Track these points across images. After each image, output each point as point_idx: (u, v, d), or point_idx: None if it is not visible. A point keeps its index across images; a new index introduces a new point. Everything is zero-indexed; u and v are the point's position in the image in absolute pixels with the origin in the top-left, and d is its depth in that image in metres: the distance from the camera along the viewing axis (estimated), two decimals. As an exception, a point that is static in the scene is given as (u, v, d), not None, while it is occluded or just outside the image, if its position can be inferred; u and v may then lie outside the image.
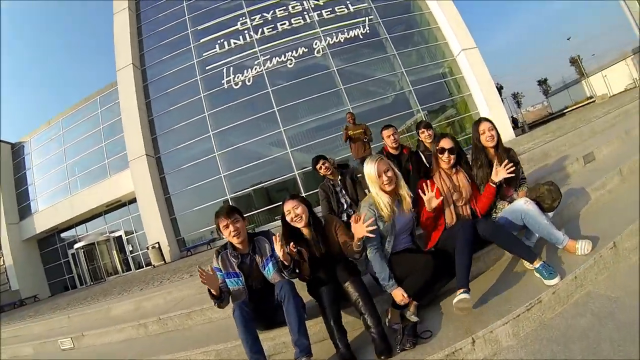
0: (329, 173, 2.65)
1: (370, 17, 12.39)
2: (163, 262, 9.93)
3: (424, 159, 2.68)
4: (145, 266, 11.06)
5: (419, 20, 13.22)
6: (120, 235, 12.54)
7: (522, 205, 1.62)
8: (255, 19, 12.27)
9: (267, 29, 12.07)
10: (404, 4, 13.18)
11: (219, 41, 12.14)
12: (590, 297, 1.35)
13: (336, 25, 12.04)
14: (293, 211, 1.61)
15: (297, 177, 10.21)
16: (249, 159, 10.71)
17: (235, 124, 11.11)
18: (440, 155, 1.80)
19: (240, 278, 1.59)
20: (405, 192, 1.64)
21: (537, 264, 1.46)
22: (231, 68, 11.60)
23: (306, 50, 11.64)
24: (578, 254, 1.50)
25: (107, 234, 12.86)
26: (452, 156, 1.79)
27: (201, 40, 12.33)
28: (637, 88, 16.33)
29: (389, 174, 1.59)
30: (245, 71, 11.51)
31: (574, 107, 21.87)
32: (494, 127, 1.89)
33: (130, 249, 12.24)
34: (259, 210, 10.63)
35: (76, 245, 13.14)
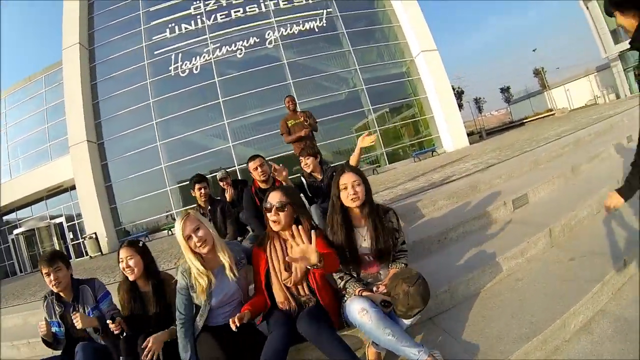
0: (202, 199, 2.42)
1: (329, 10, 12.19)
2: (100, 252, 9.80)
3: (306, 187, 2.25)
4: (85, 255, 10.89)
5: (380, 17, 13.12)
6: (62, 222, 12.22)
7: (355, 316, 1.15)
8: (209, 4, 11.82)
9: (221, 15, 11.67)
10: (366, -1, 13.02)
11: (170, 25, 11.66)
12: None
13: (292, 16, 11.79)
14: (125, 261, 1.44)
15: (237, 171, 10.22)
16: (191, 150, 10.60)
17: (180, 114, 10.89)
18: (266, 214, 1.33)
19: (61, 328, 1.51)
20: (226, 256, 1.32)
21: None
22: (180, 54, 11.23)
23: (258, 40, 11.39)
24: None
25: (48, 220, 12.50)
26: (280, 214, 1.29)
27: (152, 23, 11.79)
28: (596, 105, 17.16)
29: (200, 233, 1.29)
30: (194, 59, 11.17)
31: (534, 117, 22.77)
32: (363, 181, 1.33)
33: (71, 236, 11.98)
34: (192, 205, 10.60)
35: (16, 231, 12.72)
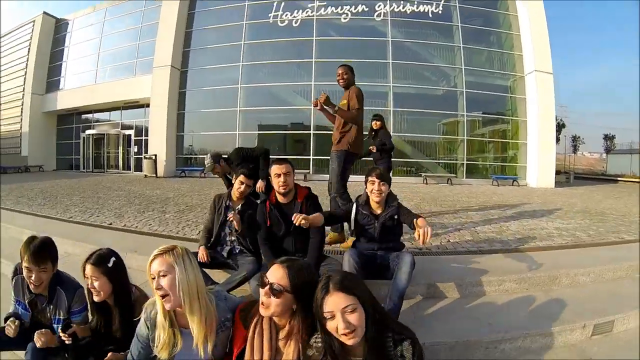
0: (238, 193, 1.90)
1: (448, -3, 10.97)
2: (154, 174, 10.08)
3: (352, 216, 1.72)
4: (141, 171, 11.29)
5: (500, 20, 11.62)
6: (130, 135, 12.76)
7: None
8: (326, -42, 11.12)
9: (335, -28, 10.95)
10: (491, -5, 11.54)
11: (280, -30, 11.19)
12: None
13: (409, -6, 10.76)
14: (90, 280, 1.14)
15: (312, 136, 9.75)
16: (270, 101, 10.28)
17: (268, 62, 10.55)
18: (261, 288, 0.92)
19: (27, 312, 1.34)
20: (199, 322, 0.92)
21: None
22: (282, 3, 10.77)
23: (367, 9, 10.56)
24: None
25: (119, 130, 13.15)
26: (273, 299, 0.87)
27: (263, -35, 11.42)
28: None
29: (164, 282, 0.91)
30: (296, 11, 10.66)
31: (632, 179, 19.48)
32: (361, 303, 0.82)
33: (135, 150, 12.48)
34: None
35: (88, 132, 13.59)
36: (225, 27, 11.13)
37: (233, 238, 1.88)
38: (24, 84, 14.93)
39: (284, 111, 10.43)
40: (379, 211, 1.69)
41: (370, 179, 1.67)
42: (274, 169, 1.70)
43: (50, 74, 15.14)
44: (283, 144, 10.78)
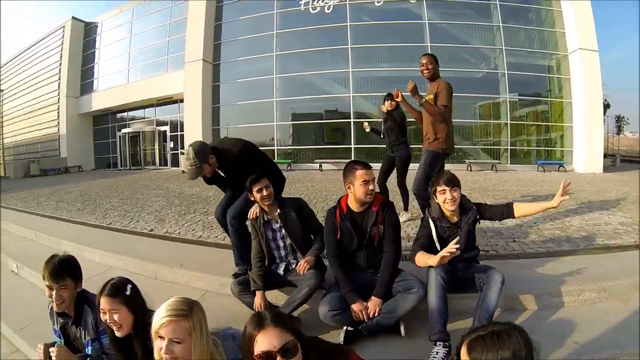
0: (264, 203, 1.62)
1: (485, -26, 10.43)
2: None
3: (433, 233, 1.53)
4: (179, 166, 11.53)
5: (540, -5, 10.96)
6: (166, 130, 13.04)
7: None
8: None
9: (365, -45, 10.63)
10: (531, -29, 10.90)
11: (309, -43, 10.98)
12: None
13: (444, -27, 10.31)
14: (109, 315, 1.05)
15: (351, 125, 9.61)
16: (307, 90, 10.17)
17: (302, 51, 10.42)
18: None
19: (61, 340, 1.30)
20: None
21: None
22: (314, -11, 10.58)
23: (401, -9, 10.21)
24: None
25: (154, 127, 13.46)
26: None
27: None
28: None
29: (179, 350, 0.79)
30: (329, -3, 10.45)
31: None
32: None
33: (172, 145, 12.75)
34: (301, 147, 10.34)
35: (123, 130, 14.00)
36: (255, 17, 11.06)
37: (285, 253, 1.70)
38: (59, 88, 15.53)
39: (320, 100, 10.31)
40: (457, 218, 1.52)
41: (439, 188, 1.48)
42: (361, 175, 1.45)
43: (83, 76, 15.66)
44: (320, 132, 10.70)
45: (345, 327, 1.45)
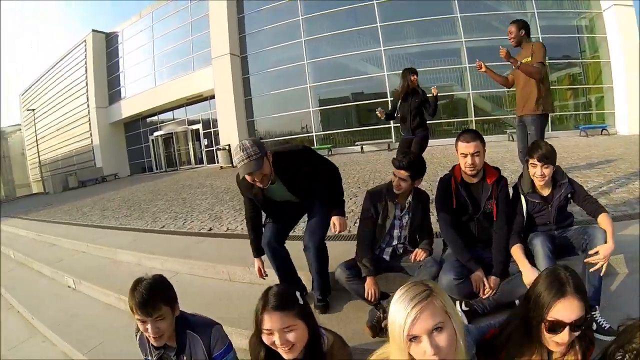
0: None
1: None
2: (230, 164, 10.07)
3: (524, 208, 1.48)
4: (217, 162, 11.79)
5: (571, -52, 10.40)
6: (198, 129, 13.30)
7: None
8: None
9: None
10: None
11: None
12: None
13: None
14: (280, 336, 0.81)
15: (390, 104, 9.52)
16: (340, 73, 10.08)
17: (331, 34, 10.32)
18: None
19: None
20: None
21: None
22: (337, -31, 10.42)
23: (427, -40, 9.92)
24: None
25: (186, 126, 13.76)
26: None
27: None
28: None
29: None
30: (353, -25, 10.27)
31: None
32: None
33: (206, 143, 12.99)
34: (339, 130, 10.34)
35: (155, 133, 14.39)
36: (279, 4, 11.01)
37: (397, 240, 1.59)
38: (87, 101, 16.08)
39: (355, 82, 10.23)
40: (547, 192, 1.46)
41: (531, 161, 1.41)
42: (460, 147, 1.44)
43: (110, 86, 16.14)
44: (354, 114, 10.64)
45: (460, 305, 1.39)
